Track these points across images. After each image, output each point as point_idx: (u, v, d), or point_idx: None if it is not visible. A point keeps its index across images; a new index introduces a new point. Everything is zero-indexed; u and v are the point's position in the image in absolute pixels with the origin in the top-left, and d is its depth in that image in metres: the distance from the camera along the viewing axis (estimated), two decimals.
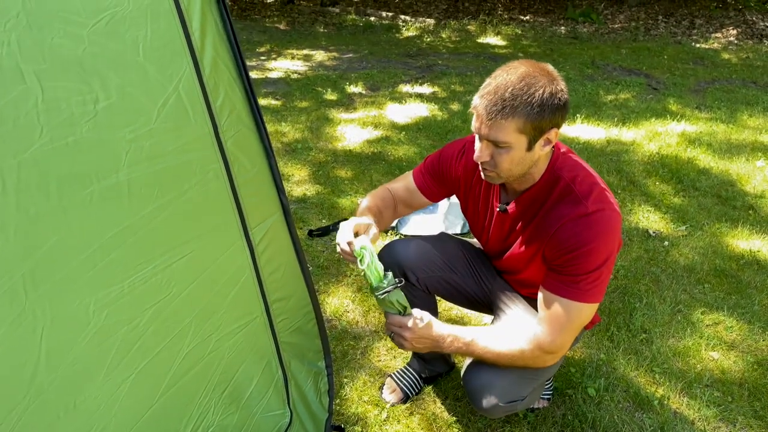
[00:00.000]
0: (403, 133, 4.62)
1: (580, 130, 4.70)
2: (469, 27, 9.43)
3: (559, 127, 1.38)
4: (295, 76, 6.39)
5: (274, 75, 6.41)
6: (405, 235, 3.08)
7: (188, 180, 1.28)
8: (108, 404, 1.20)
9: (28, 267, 1.05)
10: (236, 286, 1.42)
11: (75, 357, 1.14)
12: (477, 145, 1.42)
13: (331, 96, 5.64)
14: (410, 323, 1.47)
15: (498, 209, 1.59)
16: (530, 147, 1.38)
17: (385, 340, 2.32)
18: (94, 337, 1.16)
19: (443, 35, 8.95)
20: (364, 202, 1.74)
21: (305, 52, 7.71)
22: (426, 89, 5.90)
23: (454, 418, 1.93)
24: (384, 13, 10.37)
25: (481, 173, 1.49)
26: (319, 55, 7.51)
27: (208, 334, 1.37)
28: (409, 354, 2.15)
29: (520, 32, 9.16)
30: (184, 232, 1.29)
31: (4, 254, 1.01)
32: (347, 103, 5.45)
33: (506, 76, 1.34)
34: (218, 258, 1.37)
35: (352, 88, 5.88)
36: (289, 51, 7.72)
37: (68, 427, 1.14)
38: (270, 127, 4.67)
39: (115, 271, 1.18)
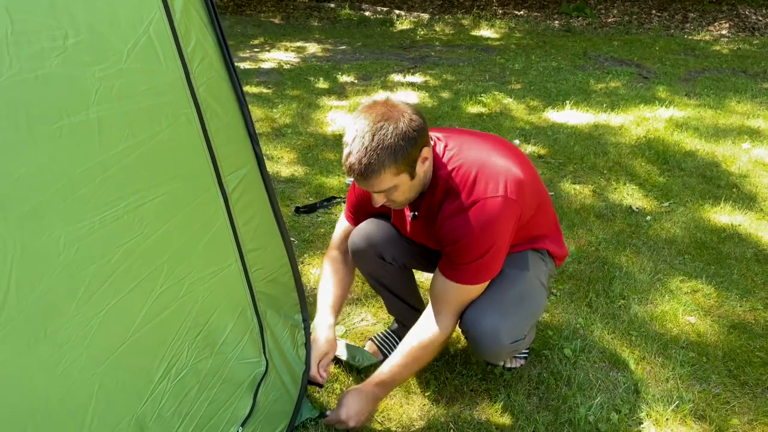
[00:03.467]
0: None
1: (568, 115, 4.74)
2: (463, 21, 9.47)
3: (427, 143, 1.51)
4: (287, 66, 6.43)
5: (266, 66, 6.44)
6: None
7: (159, 123, 1.30)
8: (79, 337, 1.22)
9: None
10: (209, 232, 1.44)
11: (45, 288, 1.16)
12: (372, 196, 1.56)
13: (322, 85, 5.67)
14: (342, 414, 1.64)
15: (410, 217, 1.74)
16: (412, 175, 1.51)
17: (367, 306, 2.35)
18: (65, 270, 1.18)
19: (437, 28, 8.99)
20: (324, 296, 1.88)
21: (298, 44, 7.74)
22: (417, 78, 5.94)
23: (432, 377, 1.96)
24: (379, 8, 10.41)
25: None
26: (312, 47, 7.55)
27: (180, 277, 1.39)
28: (391, 318, 2.18)
29: (513, 25, 9.20)
30: (156, 175, 1.32)
31: None
32: (338, 91, 5.48)
33: (358, 140, 1.43)
34: (191, 203, 1.39)
35: (344, 78, 5.91)
36: (283, 44, 7.75)
37: (38, 357, 1.17)
38: (260, 113, 4.70)
39: (85, 206, 1.20)
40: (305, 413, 1.77)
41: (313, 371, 1.74)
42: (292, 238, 2.96)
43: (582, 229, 2.94)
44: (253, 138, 1.50)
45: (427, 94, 5.36)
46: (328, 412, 1.74)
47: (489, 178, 1.54)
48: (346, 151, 1.46)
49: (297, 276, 1.69)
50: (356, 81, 5.86)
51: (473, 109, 4.94)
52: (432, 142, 1.60)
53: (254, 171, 1.52)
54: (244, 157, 1.50)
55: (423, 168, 1.55)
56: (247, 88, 5.46)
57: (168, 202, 1.34)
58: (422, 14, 10.04)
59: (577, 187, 3.43)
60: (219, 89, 1.42)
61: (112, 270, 1.26)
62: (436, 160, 1.60)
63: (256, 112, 4.69)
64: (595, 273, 2.56)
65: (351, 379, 1.98)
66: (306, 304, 1.74)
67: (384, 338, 2.11)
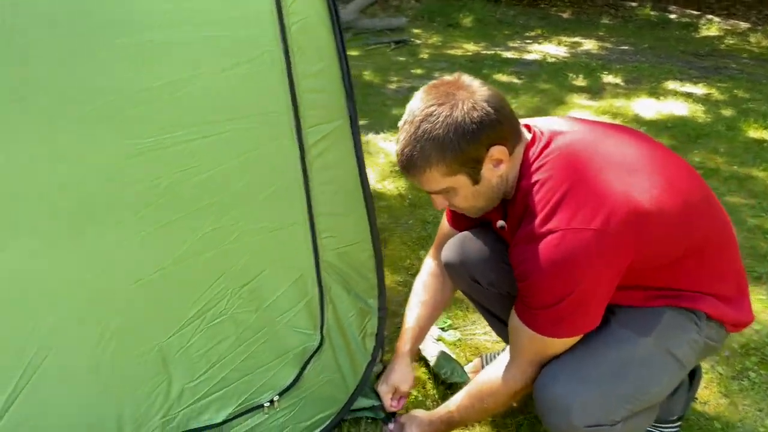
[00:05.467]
0: (644, 127, 4.02)
1: None
2: None
3: (501, 142, 1.19)
4: (551, 60, 6.04)
5: (529, 57, 6.15)
6: None
7: (236, 56, 1.24)
8: (116, 250, 1.25)
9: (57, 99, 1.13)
10: (276, 184, 1.35)
11: (90, 191, 1.20)
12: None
13: (580, 82, 5.19)
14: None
15: (498, 227, 1.40)
16: (476, 179, 1.22)
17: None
18: (110, 180, 1.21)
19: (752, 39, 7.53)
20: (407, 316, 1.66)
21: (575, 39, 7.23)
22: (699, 90, 5.04)
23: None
24: (688, 11, 9.17)
25: None
26: (589, 44, 6.98)
27: (232, 222, 1.33)
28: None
29: None
30: (223, 110, 1.26)
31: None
32: (595, 91, 4.96)
33: (407, 126, 1.20)
34: (259, 148, 1.32)
35: (608, 78, 5.32)
36: (559, 37, 7.32)
37: (72, 257, 1.22)
38: None
39: (139, 126, 1.21)
40: (365, 407, 1.59)
41: (385, 403, 1.57)
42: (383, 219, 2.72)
43: None
44: (349, 93, 1.36)
45: (702, 107, 4.51)
46: (390, 425, 1.55)
47: (582, 204, 1.14)
48: (398, 137, 1.23)
49: (378, 256, 1.50)
50: (621, 83, 5.23)
51: (755, 133, 4.00)
52: (524, 139, 1.25)
53: (343, 129, 1.38)
54: (333, 111, 1.36)
55: (495, 173, 1.22)
56: (497, 76, 5.28)
57: (231, 141, 1.28)
58: (740, 22, 8.54)
59: None
60: (315, 31, 1.30)
61: (158, 195, 1.25)
62: (525, 164, 1.24)
63: None
64: None
65: (434, 390, 1.73)
66: (385, 290, 1.55)
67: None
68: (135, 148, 1.20)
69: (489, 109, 1.17)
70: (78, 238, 1.21)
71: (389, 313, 2.13)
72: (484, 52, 6.34)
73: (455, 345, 1.95)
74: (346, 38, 1.31)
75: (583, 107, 4.44)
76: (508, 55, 6.25)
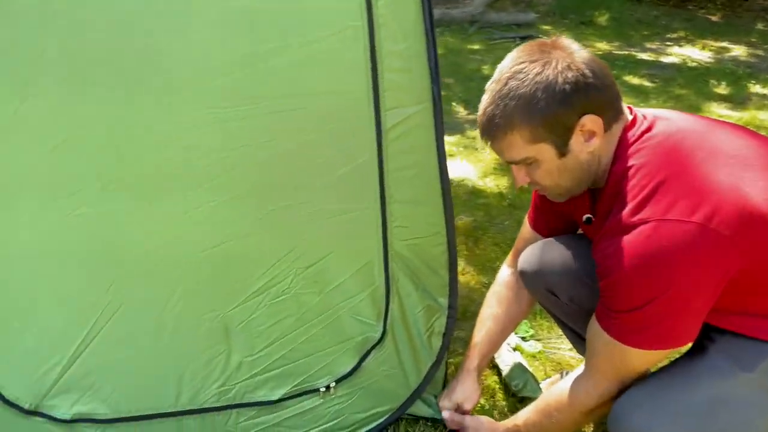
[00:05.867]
0: None
1: None
2: None
3: (596, 112, 1.05)
4: (692, 64, 5.53)
5: (667, 60, 5.68)
6: None
7: (322, 27, 1.21)
8: (184, 217, 1.26)
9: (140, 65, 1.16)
10: (349, 164, 1.30)
11: (163, 158, 1.22)
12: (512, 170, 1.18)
13: (721, 90, 4.71)
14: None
15: (583, 220, 1.26)
16: (562, 151, 1.08)
17: None
18: (186, 148, 1.22)
19: None
20: (477, 330, 1.55)
21: (723, 44, 6.56)
22: None
23: None
24: None
25: None
26: (738, 50, 6.31)
27: (301, 201, 1.30)
28: None
29: None
30: (306, 84, 1.24)
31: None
32: (738, 101, 4.47)
33: (494, 84, 1.09)
34: (336, 126, 1.28)
35: (757, 88, 4.78)
36: (704, 41, 6.68)
37: (144, 220, 1.25)
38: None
39: (222, 95, 1.21)
40: (425, 416, 1.52)
41: (446, 420, 1.47)
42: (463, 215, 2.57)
43: None
44: (435, 76, 1.28)
45: None
46: (446, 413, 1.47)
47: (683, 194, 0.98)
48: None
49: (453, 253, 1.42)
50: None
51: None
52: (624, 118, 1.11)
53: (425, 114, 1.31)
54: (416, 93, 1.29)
55: (586, 147, 1.08)
56: (627, 77, 4.92)
57: (308, 118, 1.26)
58: None
59: None
60: (404, 9, 1.24)
61: (232, 166, 1.25)
62: (621, 146, 1.09)
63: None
64: None
65: (504, 402, 1.62)
66: (457, 291, 1.46)
67: None
68: (214, 117, 1.21)
69: (587, 71, 1.04)
70: (151, 202, 1.24)
71: (470, 314, 2.05)
72: (617, 52, 5.94)
73: (534, 357, 1.82)
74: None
75: (721, 117, 4.01)
76: (644, 56, 5.81)
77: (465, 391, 1.48)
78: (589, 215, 1.23)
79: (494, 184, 3.02)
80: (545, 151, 1.08)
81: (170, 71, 1.18)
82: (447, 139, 3.57)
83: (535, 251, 1.42)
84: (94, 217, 1.22)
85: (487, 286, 2.19)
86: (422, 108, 1.30)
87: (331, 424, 1.45)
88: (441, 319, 1.46)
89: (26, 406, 1.29)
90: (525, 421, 1.30)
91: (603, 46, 6.15)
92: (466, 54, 5.57)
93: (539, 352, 1.84)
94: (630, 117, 1.12)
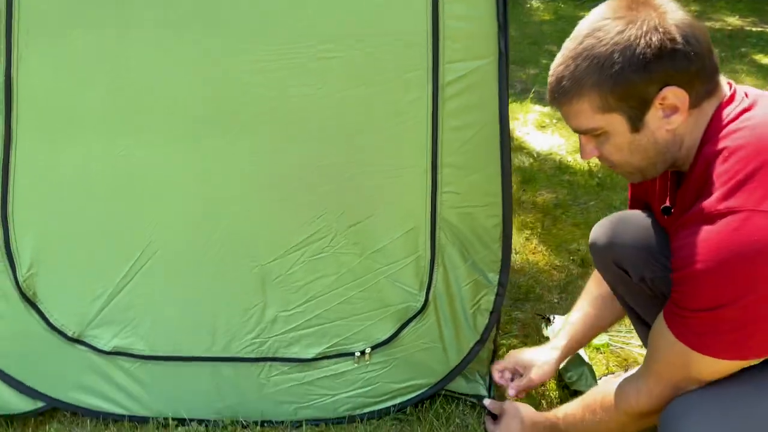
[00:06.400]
0: None
1: None
2: None
3: (681, 84, 0.90)
4: None
5: None
6: None
7: None
8: (231, 159, 1.24)
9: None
10: (400, 121, 1.22)
11: (215, 96, 1.20)
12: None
13: None
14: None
15: (661, 210, 1.11)
16: (636, 125, 0.94)
17: None
18: (235, 90, 1.20)
19: None
20: (574, 311, 1.41)
21: None
22: None
23: None
24: None
25: None
26: None
27: (348, 154, 1.24)
28: None
29: None
30: (362, 24, 1.16)
31: None
32: None
33: (569, 42, 0.96)
34: (390, 77, 1.20)
35: None
36: None
37: (188, 159, 1.24)
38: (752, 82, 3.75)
39: (275, 32, 1.16)
40: (465, 393, 1.43)
41: (486, 402, 1.37)
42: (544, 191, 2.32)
43: None
44: (503, 27, 1.15)
45: None
46: (488, 402, 1.37)
47: None
48: None
49: (508, 226, 1.30)
50: None
51: None
52: (720, 94, 0.93)
53: (489, 70, 1.20)
54: (480, 46, 1.19)
55: (664, 124, 0.92)
56: (758, 56, 4.47)
57: (362, 65, 1.20)
58: None
59: None
60: None
61: (273, 113, 1.21)
62: (714, 126, 0.92)
63: (746, 80, 3.74)
64: None
65: (555, 392, 1.50)
66: (509, 267, 1.34)
67: None
68: (266, 56, 1.16)
69: (677, 36, 0.88)
70: (196, 142, 1.22)
71: (533, 297, 1.92)
72: (750, 28, 5.34)
73: (598, 349, 1.66)
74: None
75: None
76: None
77: (538, 359, 1.36)
78: (667, 205, 1.07)
79: (585, 161, 2.81)
80: (616, 123, 0.94)
81: (220, 10, 1.14)
82: (539, 108, 3.40)
83: (608, 222, 1.28)
84: (145, 157, 1.23)
85: (559, 268, 2.06)
86: (486, 63, 1.18)
87: (364, 390, 1.40)
88: (489, 296, 1.35)
89: (70, 334, 1.33)
90: (566, 414, 1.18)
91: (734, 20, 5.55)
92: (578, 22, 5.23)
93: (604, 344, 1.68)
94: (728, 92, 0.95)
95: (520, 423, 1.27)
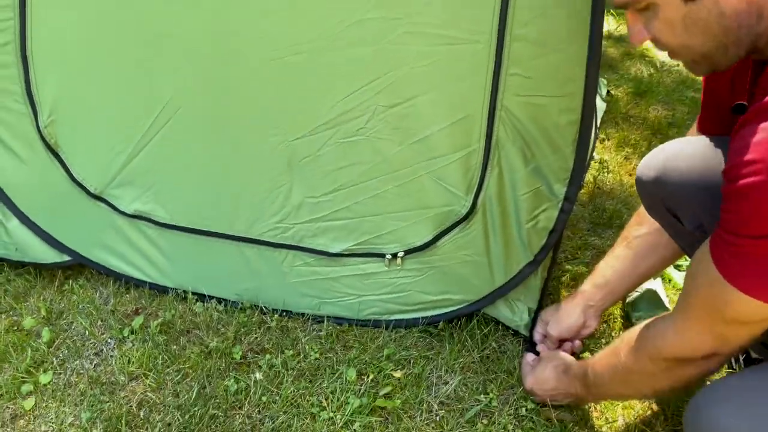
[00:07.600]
0: None
1: None
2: None
3: None
4: None
5: None
6: None
7: None
8: (254, 17, 1.06)
9: None
10: None
11: None
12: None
13: None
14: (528, 380, 1.12)
15: (731, 110, 0.86)
16: None
17: None
18: None
19: None
20: (614, 255, 1.16)
21: None
22: None
23: None
24: None
25: None
26: None
27: (394, 16, 1.01)
28: None
29: None
30: None
31: None
32: None
33: None
34: None
35: None
36: None
37: (211, 24, 1.07)
38: None
39: None
40: (507, 322, 1.24)
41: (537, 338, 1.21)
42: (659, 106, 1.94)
43: None
44: None
45: None
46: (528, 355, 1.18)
47: None
48: None
49: (586, 127, 1.03)
50: None
51: None
52: None
53: None
54: None
55: None
56: None
57: None
58: None
59: None
60: None
61: None
62: None
63: None
64: None
65: (617, 333, 1.27)
66: (581, 179, 1.09)
67: None
68: None
69: None
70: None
71: (620, 224, 1.63)
72: None
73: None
74: None
75: None
76: None
77: (562, 317, 1.18)
78: (742, 102, 0.81)
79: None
80: None
81: None
82: None
83: (661, 152, 0.97)
84: (167, 14, 1.09)
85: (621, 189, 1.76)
86: None
87: (393, 296, 1.25)
88: (550, 212, 1.12)
89: (92, 190, 1.26)
90: (595, 361, 1.01)
91: None
92: None
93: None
94: None
95: (554, 370, 1.09)
